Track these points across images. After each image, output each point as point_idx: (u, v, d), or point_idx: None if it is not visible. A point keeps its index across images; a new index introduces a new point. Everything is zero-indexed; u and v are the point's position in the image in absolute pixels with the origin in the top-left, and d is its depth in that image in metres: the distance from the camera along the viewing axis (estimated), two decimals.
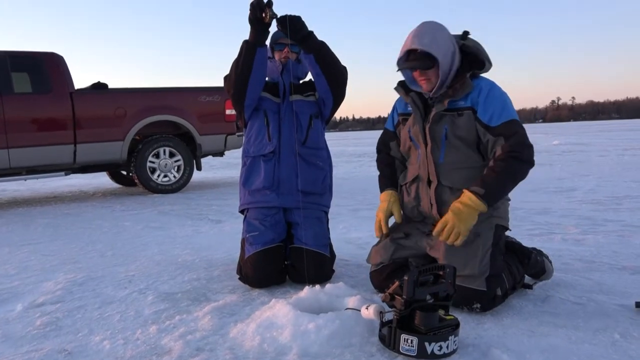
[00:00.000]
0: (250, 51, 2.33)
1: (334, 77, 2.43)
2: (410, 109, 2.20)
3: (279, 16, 2.24)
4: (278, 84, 2.54)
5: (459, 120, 2.06)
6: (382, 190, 2.32)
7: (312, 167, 2.51)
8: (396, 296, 1.58)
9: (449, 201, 2.05)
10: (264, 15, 2.23)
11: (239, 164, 2.69)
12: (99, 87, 6.57)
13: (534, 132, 31.88)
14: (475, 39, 2.16)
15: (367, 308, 1.68)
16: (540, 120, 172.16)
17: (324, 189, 2.57)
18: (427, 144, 2.11)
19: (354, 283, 2.36)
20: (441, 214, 2.08)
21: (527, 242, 2.81)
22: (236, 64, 2.38)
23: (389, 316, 1.61)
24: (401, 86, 2.23)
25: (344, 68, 2.48)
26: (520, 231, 3.32)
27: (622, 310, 1.92)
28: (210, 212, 4.89)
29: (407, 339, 1.54)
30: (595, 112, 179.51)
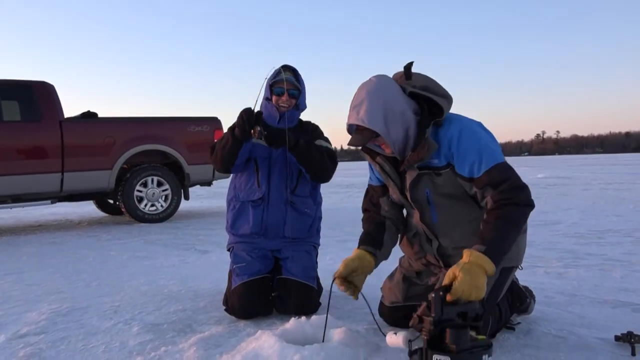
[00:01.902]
0: (236, 145, 2.43)
1: (317, 176, 2.55)
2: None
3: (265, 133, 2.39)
4: (261, 122, 2.54)
5: (438, 180, 1.88)
6: (358, 245, 2.08)
7: (300, 215, 2.55)
8: (424, 317, 1.52)
9: (453, 257, 1.93)
10: (252, 132, 2.37)
11: (227, 194, 2.71)
12: (89, 116, 6.61)
13: (520, 165, 32.28)
14: (420, 72, 1.95)
15: (395, 334, 1.62)
16: (526, 154, 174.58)
17: (311, 234, 2.61)
18: (413, 208, 1.99)
19: (340, 315, 2.37)
20: (448, 265, 1.93)
21: None
22: (222, 150, 2.47)
23: (418, 345, 1.55)
24: (366, 152, 2.03)
25: (331, 164, 2.55)
26: None
27: (602, 344, 1.95)
28: (197, 242, 4.88)
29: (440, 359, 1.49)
30: (580, 146, 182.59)
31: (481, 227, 1.77)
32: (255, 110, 2.41)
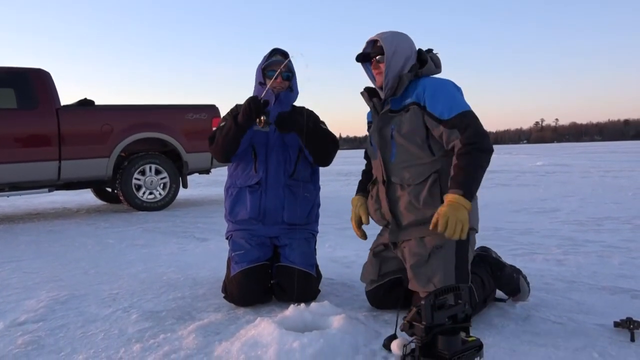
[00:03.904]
0: (240, 133, 2.40)
1: (321, 159, 2.55)
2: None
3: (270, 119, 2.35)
4: (268, 113, 2.51)
5: (405, 118, 2.10)
6: (357, 192, 2.42)
7: (299, 200, 2.52)
8: (415, 323, 1.54)
9: (400, 199, 2.12)
10: (258, 121, 2.32)
11: (225, 182, 2.69)
12: (86, 104, 6.55)
13: (519, 153, 32.30)
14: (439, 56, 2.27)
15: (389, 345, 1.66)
16: (525, 141, 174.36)
17: (310, 220, 2.59)
18: (379, 146, 2.19)
19: (339, 302, 2.37)
20: (392, 212, 2.15)
21: (509, 262, 2.86)
22: (224, 138, 2.43)
23: (412, 346, 1.57)
24: (366, 92, 2.30)
25: (333, 144, 2.54)
26: (504, 251, 3.36)
27: (601, 330, 1.95)
28: (195, 230, 4.88)
29: None
30: (579, 133, 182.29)
31: (453, 171, 1.99)
32: (262, 100, 2.35)
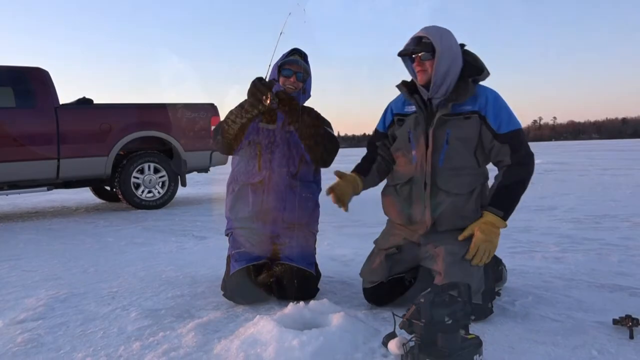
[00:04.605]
0: (245, 125, 2.39)
1: (318, 159, 2.50)
2: (407, 110, 2.26)
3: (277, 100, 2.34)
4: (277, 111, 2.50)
5: (464, 124, 2.09)
6: (352, 171, 2.40)
7: (301, 200, 2.50)
8: (414, 321, 1.53)
9: (443, 205, 2.10)
10: (264, 97, 2.30)
11: (224, 180, 2.69)
12: (84, 102, 6.55)
13: None
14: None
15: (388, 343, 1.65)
16: None
17: (310, 220, 2.58)
18: (428, 146, 2.13)
19: (338, 300, 2.37)
20: (433, 217, 2.12)
21: (508, 260, 2.88)
22: (231, 126, 2.40)
23: (412, 344, 1.56)
24: (404, 86, 2.26)
25: (331, 143, 2.48)
26: (502, 249, 3.35)
27: (599, 327, 1.96)
28: (194, 229, 4.88)
29: None
30: (576, 132, 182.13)
31: (498, 185, 2.09)
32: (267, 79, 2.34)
